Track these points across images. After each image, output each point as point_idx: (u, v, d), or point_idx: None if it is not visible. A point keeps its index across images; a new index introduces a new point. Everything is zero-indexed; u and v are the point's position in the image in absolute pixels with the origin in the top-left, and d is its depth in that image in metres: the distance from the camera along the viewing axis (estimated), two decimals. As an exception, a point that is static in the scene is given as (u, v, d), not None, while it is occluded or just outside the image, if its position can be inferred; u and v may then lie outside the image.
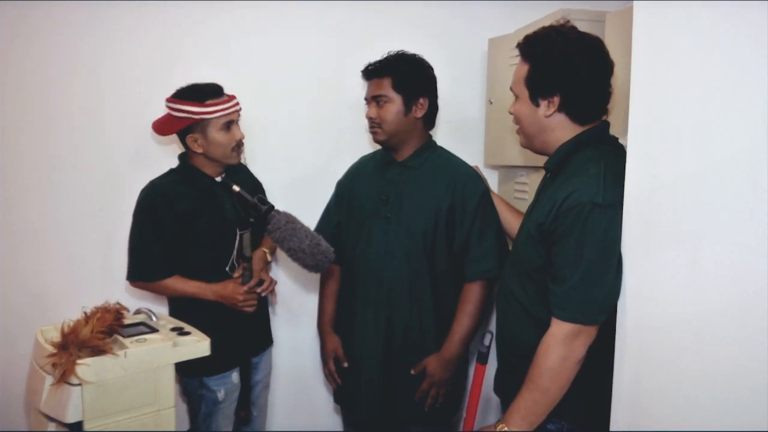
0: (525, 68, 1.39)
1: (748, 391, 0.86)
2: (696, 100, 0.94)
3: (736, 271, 0.88)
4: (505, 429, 1.33)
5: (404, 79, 1.85)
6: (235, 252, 1.86)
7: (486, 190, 1.88)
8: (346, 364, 1.95)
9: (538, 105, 1.37)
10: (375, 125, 1.87)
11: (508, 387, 1.48)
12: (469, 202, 1.83)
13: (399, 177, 1.90)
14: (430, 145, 1.95)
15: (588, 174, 1.27)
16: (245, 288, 1.79)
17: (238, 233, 1.76)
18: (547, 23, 2.02)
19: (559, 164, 1.37)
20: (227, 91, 1.86)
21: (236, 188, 1.65)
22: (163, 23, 2.13)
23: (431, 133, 2.00)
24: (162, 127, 1.85)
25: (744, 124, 0.86)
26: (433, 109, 1.92)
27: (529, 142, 1.45)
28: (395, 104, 1.84)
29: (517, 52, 2.13)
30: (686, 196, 0.97)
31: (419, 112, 1.87)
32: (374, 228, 1.88)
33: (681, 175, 0.98)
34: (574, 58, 1.31)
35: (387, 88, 1.84)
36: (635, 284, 1.15)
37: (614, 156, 1.30)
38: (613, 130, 1.42)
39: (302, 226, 1.64)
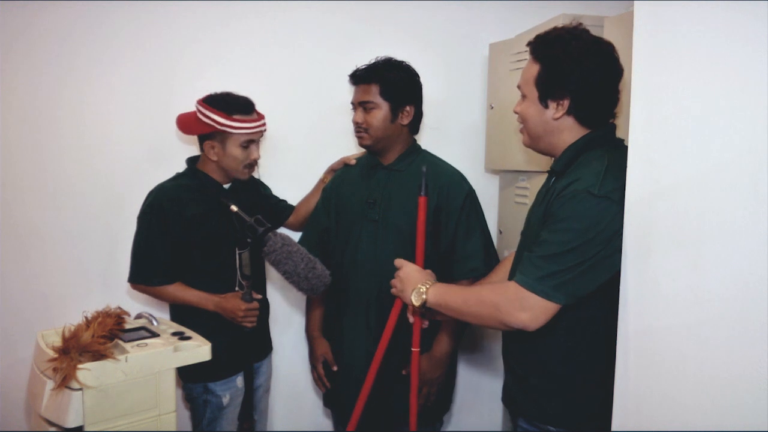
0: (536, 68, 1.36)
1: (749, 395, 0.86)
2: (696, 104, 0.94)
3: (737, 275, 0.88)
4: (428, 288, 1.43)
5: (392, 87, 1.85)
6: (238, 272, 1.85)
7: (471, 191, 1.90)
8: (335, 368, 1.96)
9: (546, 106, 1.35)
10: (361, 130, 1.88)
11: (516, 396, 1.48)
12: (453, 202, 1.85)
13: (385, 180, 1.91)
14: (415, 148, 1.96)
15: (590, 167, 1.27)
16: (245, 306, 1.77)
17: (237, 252, 1.76)
18: (546, 28, 2.03)
19: (567, 165, 1.36)
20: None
21: (234, 208, 1.65)
22: (168, 31, 2.14)
23: (437, 135, 2.01)
24: (185, 125, 1.86)
25: (745, 128, 0.86)
26: (418, 116, 1.94)
27: (533, 143, 1.43)
28: (382, 111, 1.85)
29: (518, 57, 2.14)
30: (687, 199, 0.97)
31: (405, 119, 1.89)
32: (363, 232, 1.90)
33: (682, 179, 0.98)
34: (587, 61, 1.30)
35: (374, 95, 1.85)
36: (637, 288, 1.14)
37: (620, 155, 1.30)
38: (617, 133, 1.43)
39: (299, 248, 1.64)
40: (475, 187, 1.94)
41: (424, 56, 2.07)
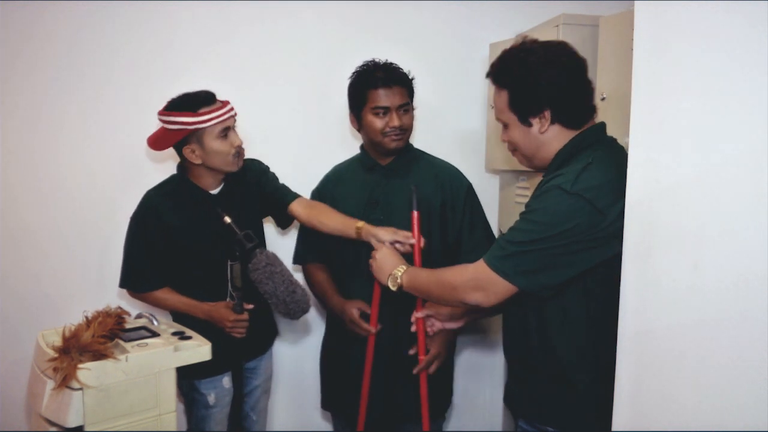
0: (504, 95, 1.38)
1: (749, 395, 0.86)
2: (696, 104, 0.94)
3: (738, 275, 0.88)
4: (402, 273, 1.53)
5: (412, 88, 1.91)
6: (229, 283, 1.80)
7: (469, 185, 1.95)
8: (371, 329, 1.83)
9: (530, 125, 1.36)
10: (400, 132, 1.87)
11: (516, 397, 1.49)
12: (457, 195, 1.90)
13: (385, 180, 1.93)
14: (410, 147, 1.99)
15: (573, 166, 1.29)
16: (234, 317, 1.76)
17: (229, 264, 1.74)
18: (547, 28, 2.04)
19: (557, 170, 1.37)
20: (221, 97, 1.80)
21: (227, 219, 1.65)
22: (166, 35, 2.14)
23: (438, 135, 2.03)
24: (157, 142, 1.78)
25: (745, 128, 0.86)
26: None
27: (530, 162, 1.45)
28: (412, 111, 1.91)
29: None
30: (688, 200, 0.97)
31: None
32: None
33: (682, 180, 0.98)
34: (548, 67, 1.31)
35: (407, 97, 1.89)
36: (637, 288, 1.14)
37: (608, 154, 1.31)
38: (609, 132, 1.43)
39: (282, 270, 1.64)
40: (475, 187, 1.97)
41: (424, 56, 2.07)
